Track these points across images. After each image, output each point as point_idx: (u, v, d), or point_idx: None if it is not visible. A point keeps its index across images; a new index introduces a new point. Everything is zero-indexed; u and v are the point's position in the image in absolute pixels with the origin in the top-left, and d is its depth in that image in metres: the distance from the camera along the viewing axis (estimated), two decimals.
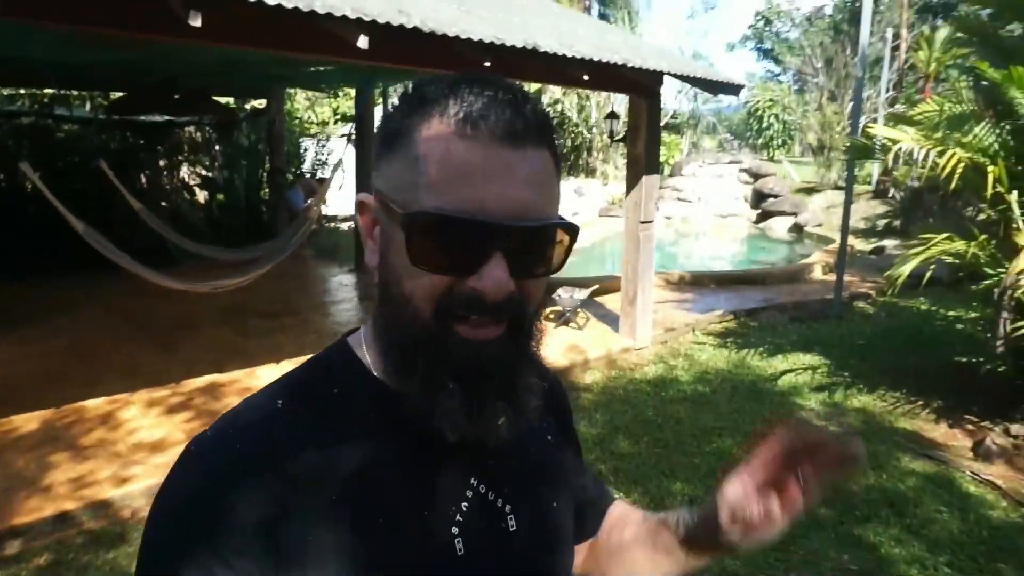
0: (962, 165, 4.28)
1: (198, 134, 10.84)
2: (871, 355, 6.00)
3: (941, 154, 4.32)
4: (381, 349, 0.68)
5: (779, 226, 14.45)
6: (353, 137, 8.77)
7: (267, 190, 10.82)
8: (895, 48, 17.01)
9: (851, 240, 8.50)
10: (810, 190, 15.40)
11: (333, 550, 0.60)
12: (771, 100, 19.26)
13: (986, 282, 4.46)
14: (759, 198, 15.58)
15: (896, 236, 11.70)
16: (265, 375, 5.04)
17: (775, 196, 15.11)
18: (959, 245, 4.50)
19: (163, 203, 9.62)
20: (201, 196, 10.96)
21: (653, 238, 6.19)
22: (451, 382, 0.61)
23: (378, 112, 9.41)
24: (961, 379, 5.04)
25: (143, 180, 9.76)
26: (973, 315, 6.19)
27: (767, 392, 5.25)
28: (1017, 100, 4.09)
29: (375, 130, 8.72)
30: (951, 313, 7.10)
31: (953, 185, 4.38)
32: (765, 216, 15.03)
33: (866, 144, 5.29)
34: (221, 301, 6.52)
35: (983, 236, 4.48)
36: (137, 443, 4.04)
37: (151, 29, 3.08)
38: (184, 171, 10.91)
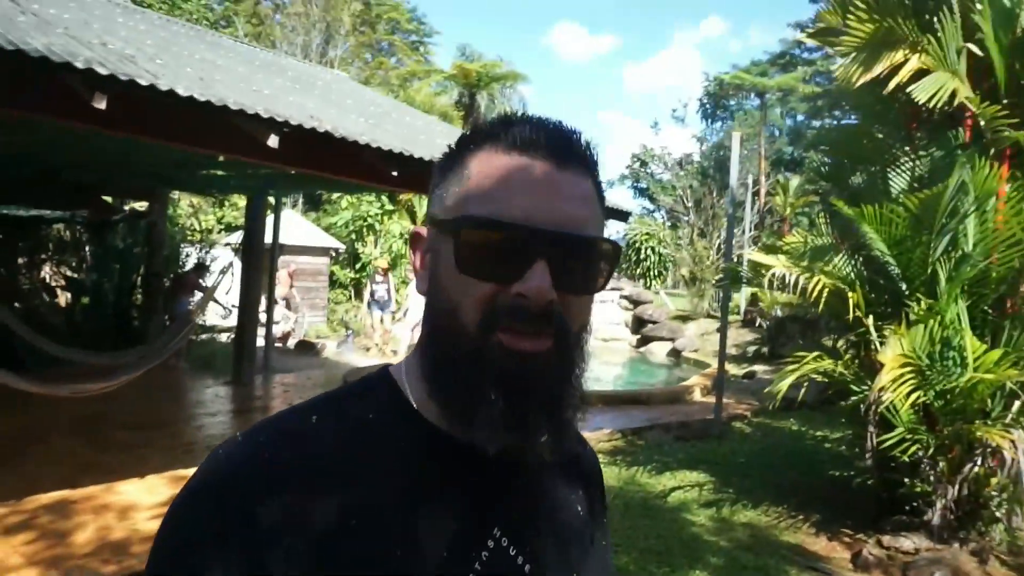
0: (827, 291, 4.73)
1: (67, 232, 10.20)
2: (753, 472, 6.21)
3: (809, 279, 4.77)
4: (424, 372, 0.67)
5: (659, 350, 15.11)
6: (240, 249, 8.55)
7: (140, 295, 10.20)
8: (755, 193, 18.99)
9: (725, 365, 9.00)
10: (685, 318, 16.36)
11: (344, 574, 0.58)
12: (648, 233, 20.68)
13: (853, 399, 4.81)
14: (639, 324, 16.33)
15: (764, 362, 12.51)
16: (128, 490, 4.54)
17: (654, 322, 15.90)
18: (827, 364, 4.88)
19: (16, 304, 8.81)
20: (63, 298, 10.16)
21: None
22: (493, 392, 0.60)
23: (269, 221, 9.23)
24: (835, 493, 5.30)
25: None
26: (839, 434, 6.61)
27: (659, 508, 5.28)
28: (868, 235, 4.62)
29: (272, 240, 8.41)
30: (819, 433, 7.59)
31: (820, 308, 4.81)
32: (645, 341, 15.71)
33: (739, 271, 5.73)
34: (77, 411, 5.92)
35: (848, 355, 4.88)
36: None
37: (51, 111, 2.94)
38: (47, 270, 10.14)
